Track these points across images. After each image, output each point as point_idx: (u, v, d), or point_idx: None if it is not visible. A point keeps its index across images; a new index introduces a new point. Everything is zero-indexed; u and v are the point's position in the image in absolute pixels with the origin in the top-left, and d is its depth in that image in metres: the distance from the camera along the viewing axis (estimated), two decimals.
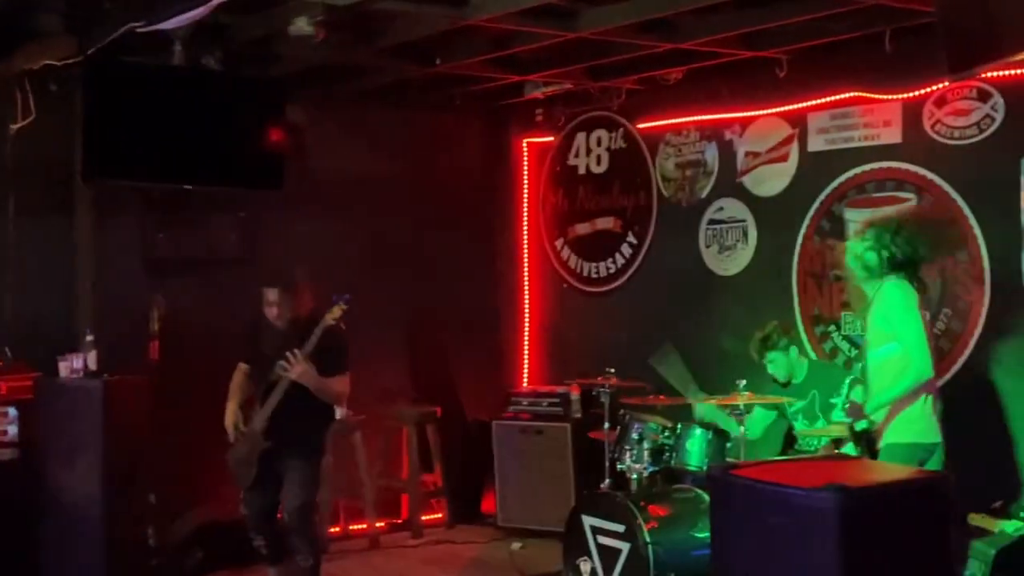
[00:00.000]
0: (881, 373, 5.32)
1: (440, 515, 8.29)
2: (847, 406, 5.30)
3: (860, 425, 5.44)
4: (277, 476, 5.98)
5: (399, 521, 8.19)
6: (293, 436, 5.94)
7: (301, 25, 5.61)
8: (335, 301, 5.83)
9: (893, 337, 5.27)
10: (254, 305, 6.15)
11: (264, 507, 6.06)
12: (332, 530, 7.34)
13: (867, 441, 5.84)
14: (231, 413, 6.12)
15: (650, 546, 5.74)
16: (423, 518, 8.08)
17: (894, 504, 3.19)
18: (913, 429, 5.25)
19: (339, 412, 7.33)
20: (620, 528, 5.91)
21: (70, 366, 6.53)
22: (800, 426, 6.22)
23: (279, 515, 6.10)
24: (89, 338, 6.56)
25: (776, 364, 6.36)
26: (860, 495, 3.13)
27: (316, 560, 6.04)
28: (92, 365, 6.52)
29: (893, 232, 5.45)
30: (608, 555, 6.00)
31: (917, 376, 5.24)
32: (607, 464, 6.58)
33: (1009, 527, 5.70)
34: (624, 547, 5.89)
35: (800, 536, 3.12)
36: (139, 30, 5.69)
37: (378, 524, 7.86)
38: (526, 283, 8.97)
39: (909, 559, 3.20)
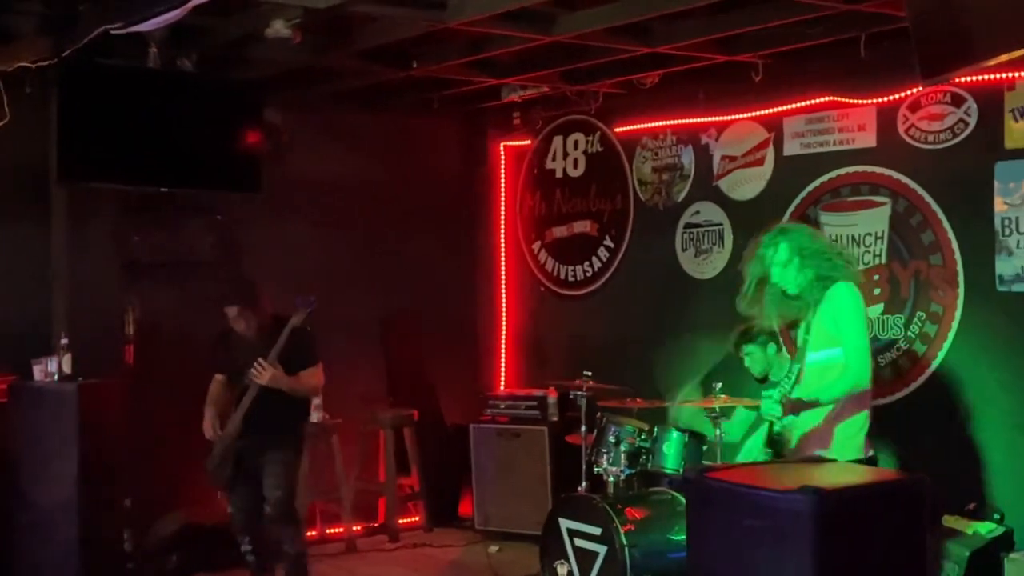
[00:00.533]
0: (819, 378, 4.98)
1: (417, 518, 8.29)
2: (783, 399, 4.94)
3: (779, 425, 5.28)
4: (256, 473, 6.05)
5: (376, 524, 8.18)
6: (268, 432, 6.02)
7: (278, 27, 5.59)
8: (299, 305, 5.96)
9: (838, 342, 4.92)
10: (222, 317, 6.16)
11: (249, 507, 6.10)
12: (309, 533, 7.31)
13: (777, 444, 5.87)
14: (209, 420, 6.16)
15: (627, 548, 5.76)
16: (400, 521, 8.08)
17: (869, 506, 3.21)
18: (853, 445, 4.89)
19: (315, 415, 7.34)
20: (597, 531, 5.93)
21: (44, 370, 6.49)
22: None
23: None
24: (64, 341, 6.52)
25: (752, 358, 6.38)
26: (835, 497, 3.14)
27: (303, 548, 6.17)
28: (67, 369, 6.48)
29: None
30: (585, 558, 6.02)
31: (855, 382, 4.86)
32: (584, 467, 6.59)
33: (983, 528, 5.76)
34: (601, 550, 5.91)
35: (776, 538, 3.13)
36: (114, 32, 5.65)
37: (355, 528, 7.85)
38: (503, 286, 8.98)
39: (884, 560, 3.22)
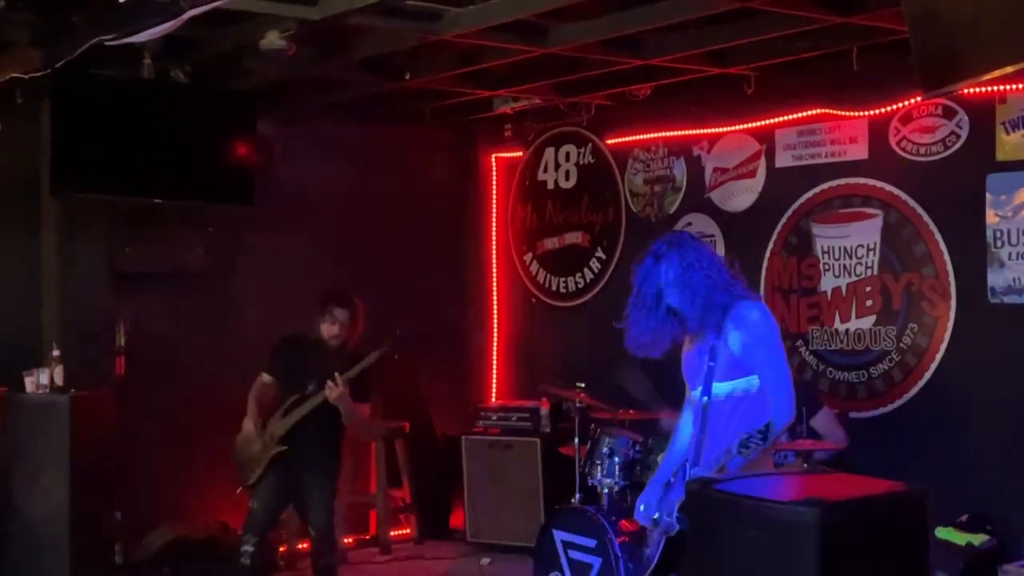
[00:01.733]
0: (732, 412, 4.25)
1: (409, 531, 8.26)
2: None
3: None
4: (289, 485, 6.05)
5: (367, 537, 8.16)
6: (315, 453, 6.03)
7: (272, 39, 5.60)
8: (398, 335, 6.08)
9: (749, 369, 4.22)
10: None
11: (270, 506, 6.09)
12: (300, 546, 7.29)
13: None
14: (252, 414, 6.10)
15: (621, 560, 5.75)
16: (392, 534, 8.06)
17: (873, 518, 3.20)
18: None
19: None
20: (591, 543, 5.92)
21: (36, 381, 6.48)
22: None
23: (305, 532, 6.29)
24: (55, 353, 6.51)
25: None
26: (839, 509, 3.14)
27: (336, 560, 6.31)
28: (59, 380, 6.47)
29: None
30: (579, 570, 6.01)
31: (788, 417, 4.23)
32: (577, 479, 6.58)
33: (976, 540, 5.77)
34: (595, 562, 5.91)
35: (778, 550, 3.13)
36: (108, 43, 5.65)
37: (346, 540, 7.82)
38: (495, 298, 8.98)
39: (888, 572, 3.22)
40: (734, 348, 4.17)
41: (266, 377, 6.20)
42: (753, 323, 4.18)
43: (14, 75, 6.26)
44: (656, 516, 4.30)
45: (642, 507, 4.36)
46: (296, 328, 6.20)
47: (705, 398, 4.21)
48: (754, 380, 4.17)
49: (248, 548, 5.98)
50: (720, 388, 4.19)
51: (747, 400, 4.18)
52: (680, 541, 4.16)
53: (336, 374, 5.83)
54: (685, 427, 4.41)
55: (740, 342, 4.16)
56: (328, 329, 6.05)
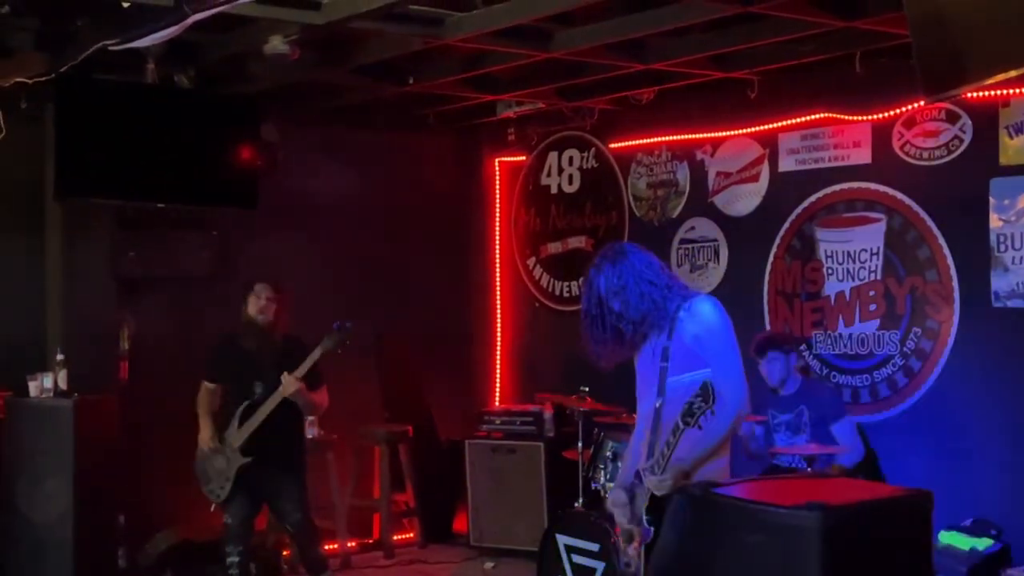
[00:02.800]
0: (679, 401, 4.19)
1: (412, 535, 8.27)
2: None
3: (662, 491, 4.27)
4: (259, 490, 6.07)
5: (371, 541, 8.16)
6: (278, 453, 6.03)
7: (276, 44, 5.59)
8: (336, 328, 5.96)
9: (703, 362, 4.25)
10: (225, 325, 6.14)
11: (247, 516, 6.11)
12: None
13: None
14: (207, 430, 6.10)
15: (633, 566, 5.73)
16: (395, 538, 8.06)
17: (876, 522, 3.20)
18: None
19: (310, 432, 7.32)
20: (595, 547, 5.93)
21: (40, 385, 6.49)
22: (782, 441, 6.21)
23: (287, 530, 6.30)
24: (59, 357, 6.52)
25: (774, 364, 6.27)
26: (842, 513, 3.14)
27: (323, 552, 6.40)
28: (62, 384, 6.47)
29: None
30: (582, 574, 6.01)
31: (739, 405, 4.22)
32: (580, 483, 6.58)
33: (980, 545, 5.76)
34: (599, 566, 5.91)
35: (781, 554, 3.12)
36: (112, 48, 5.65)
37: (349, 544, 7.82)
38: (498, 302, 8.98)
39: None
40: (687, 341, 4.21)
41: (210, 385, 6.17)
42: (704, 316, 4.22)
43: (18, 80, 6.26)
44: (630, 527, 4.27)
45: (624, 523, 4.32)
46: (296, 330, 6.20)
47: (660, 400, 4.22)
48: (707, 373, 4.15)
49: (234, 559, 6.03)
50: (675, 382, 4.20)
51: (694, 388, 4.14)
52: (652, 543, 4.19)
53: (286, 373, 5.84)
54: (637, 439, 4.40)
55: (692, 334, 4.20)
56: (255, 305, 6.02)
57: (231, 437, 6.02)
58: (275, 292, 6.07)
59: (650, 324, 4.26)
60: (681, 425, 4.00)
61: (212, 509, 6.22)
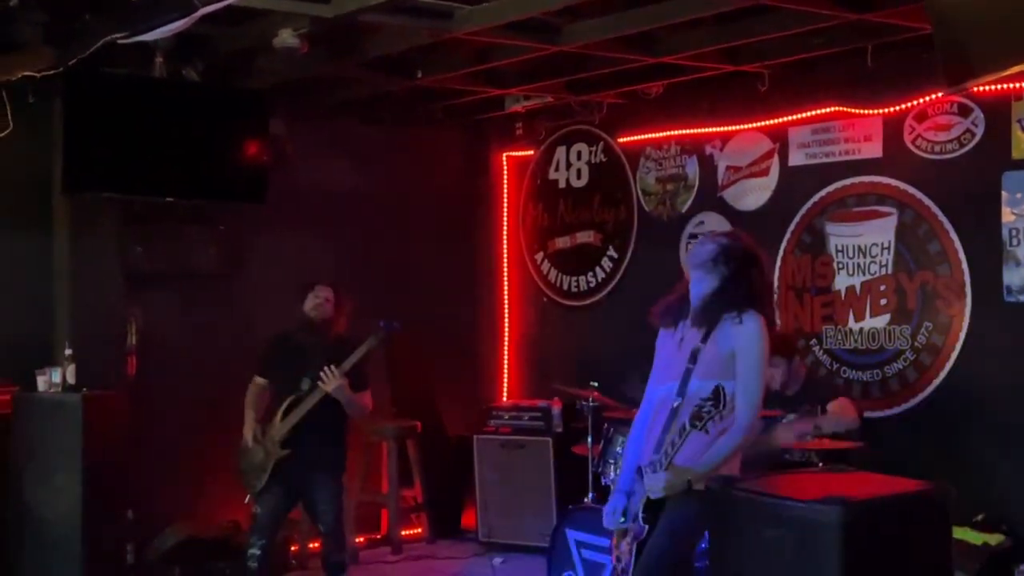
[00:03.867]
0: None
1: (420, 530, 8.25)
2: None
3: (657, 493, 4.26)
4: (296, 486, 6.04)
5: (379, 536, 8.14)
6: (318, 452, 6.01)
7: (286, 37, 5.58)
8: (383, 326, 6.01)
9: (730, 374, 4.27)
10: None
11: (277, 509, 6.07)
12: (311, 545, 7.28)
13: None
14: (250, 424, 6.09)
15: (623, 561, 5.71)
16: (403, 533, 8.04)
17: (895, 516, 3.18)
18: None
19: None
20: (605, 542, 5.86)
21: (48, 380, 6.47)
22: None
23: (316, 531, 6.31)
24: (67, 352, 6.51)
25: (777, 369, 6.21)
26: (862, 507, 3.11)
27: (346, 557, 6.32)
28: (71, 379, 6.46)
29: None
30: (593, 570, 5.98)
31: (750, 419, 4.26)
32: (590, 478, 6.56)
33: (992, 540, 5.74)
34: (609, 561, 5.86)
35: (800, 549, 3.10)
36: (120, 41, 5.65)
37: (358, 539, 7.82)
38: (506, 297, 8.95)
39: (910, 571, 3.19)
40: (722, 350, 4.20)
41: (260, 380, 6.18)
42: (748, 332, 4.21)
43: (26, 74, 6.26)
44: (624, 523, 4.28)
45: (611, 515, 4.35)
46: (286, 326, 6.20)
47: (679, 400, 4.22)
48: (730, 384, 4.18)
49: (255, 551, 5.97)
50: (698, 386, 4.19)
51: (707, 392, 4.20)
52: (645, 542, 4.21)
53: (330, 367, 5.83)
54: (640, 427, 4.41)
55: (730, 346, 4.19)
56: (311, 301, 6.05)
57: (273, 430, 6.00)
58: (334, 293, 6.10)
59: (699, 315, 4.28)
60: (688, 427, 4.01)
61: (247, 500, 6.16)
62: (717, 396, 3.97)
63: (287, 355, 6.10)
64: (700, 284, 4.33)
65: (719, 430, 4.16)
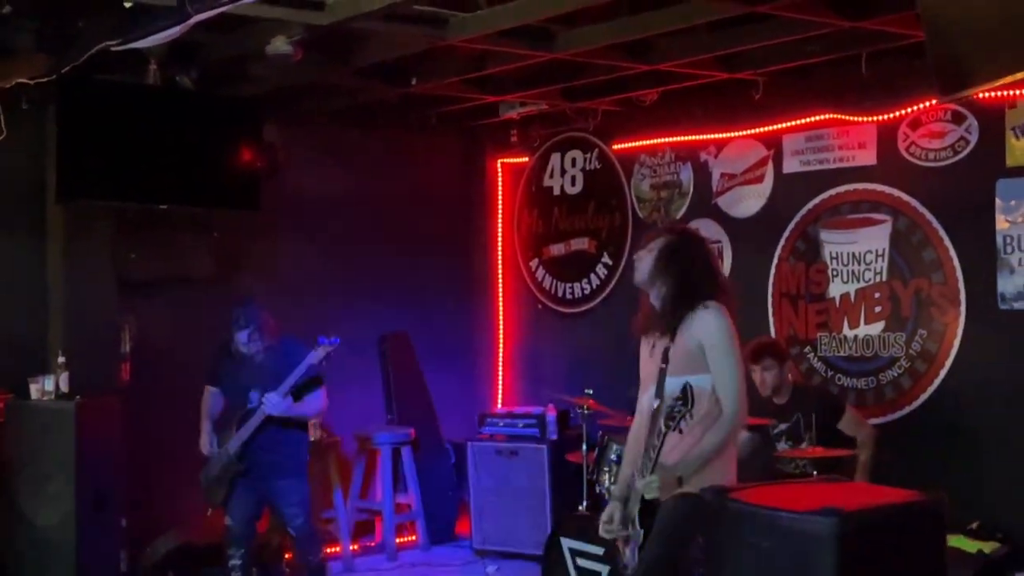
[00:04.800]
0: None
1: (415, 538, 8.23)
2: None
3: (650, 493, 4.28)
4: (260, 494, 6.12)
5: (373, 544, 8.13)
6: (280, 457, 6.08)
7: (279, 44, 5.56)
8: (321, 343, 5.97)
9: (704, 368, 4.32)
10: (224, 329, 6.15)
11: (248, 519, 6.16)
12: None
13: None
14: (206, 436, 6.19)
15: (630, 568, 5.70)
16: (398, 541, 8.02)
17: (890, 527, 3.17)
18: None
19: (313, 434, 7.29)
20: (600, 551, 5.88)
21: (41, 388, 6.44)
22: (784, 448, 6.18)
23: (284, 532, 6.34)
24: (61, 359, 6.48)
25: (769, 372, 6.24)
26: (856, 518, 3.11)
27: (324, 559, 6.40)
28: (64, 387, 6.43)
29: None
30: None
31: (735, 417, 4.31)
32: (585, 486, 6.55)
33: (987, 548, 5.73)
34: (604, 569, 5.87)
35: (795, 560, 3.10)
36: (114, 48, 5.63)
37: (352, 547, 7.79)
38: (501, 304, 8.95)
39: None
40: (690, 345, 4.26)
41: (212, 389, 6.27)
42: (710, 323, 4.28)
43: (20, 81, 6.24)
44: (624, 532, 4.32)
45: (606, 524, 4.38)
46: (299, 331, 6.23)
47: (657, 401, 4.26)
48: (705, 379, 4.23)
49: (236, 562, 6.08)
50: (671, 387, 4.21)
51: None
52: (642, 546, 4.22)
53: (267, 394, 5.91)
54: (634, 436, 4.48)
55: (696, 340, 4.26)
56: (243, 348, 6.09)
57: (229, 443, 6.08)
58: (251, 333, 6.06)
59: (666, 312, 4.36)
60: (663, 428, 4.03)
61: (208, 513, 6.25)
62: (685, 395, 4.01)
63: (234, 366, 6.15)
64: (655, 295, 4.45)
65: (692, 428, 4.20)
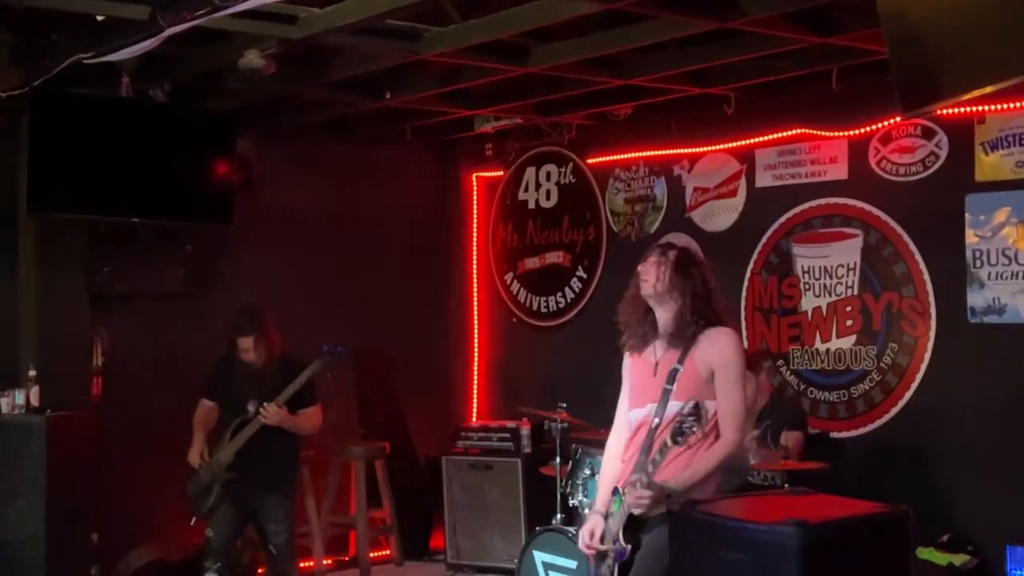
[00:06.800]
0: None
1: (389, 552, 8.21)
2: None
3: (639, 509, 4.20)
4: (245, 508, 6.11)
5: (347, 558, 8.09)
6: (268, 472, 6.07)
7: (252, 58, 5.56)
8: (325, 351, 6.04)
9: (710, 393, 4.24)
10: (199, 341, 6.15)
11: (229, 532, 6.16)
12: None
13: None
14: (199, 445, 6.16)
15: None
16: (372, 555, 7.99)
17: (855, 538, 3.19)
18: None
19: None
20: (572, 564, 5.89)
21: (12, 402, 6.39)
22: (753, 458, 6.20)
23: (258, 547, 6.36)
24: (32, 373, 6.43)
25: (749, 383, 6.22)
26: (821, 529, 3.13)
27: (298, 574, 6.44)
28: (35, 401, 6.39)
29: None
30: None
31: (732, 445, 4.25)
32: (558, 499, 6.55)
33: (957, 560, 5.76)
34: None
35: (761, 571, 3.11)
36: (86, 61, 5.62)
37: (325, 562, 7.76)
38: (475, 317, 8.95)
39: None
40: (700, 369, 4.16)
41: (208, 402, 6.26)
42: (724, 348, 4.19)
43: None
44: (606, 547, 4.22)
45: (588, 538, 4.27)
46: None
47: (657, 420, 4.18)
48: (712, 404, 4.13)
49: (213, 573, 6.05)
50: (675, 407, 4.11)
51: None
52: (629, 563, 4.14)
53: (265, 403, 5.91)
54: (615, 450, 4.39)
55: (707, 364, 4.16)
56: (244, 354, 6.09)
57: (220, 452, 6.06)
58: (256, 340, 6.05)
59: (674, 334, 4.24)
60: (670, 443, 3.98)
61: (192, 523, 6.20)
62: (698, 412, 3.95)
63: (232, 378, 6.14)
64: (663, 308, 4.31)
65: (700, 445, 4.13)
